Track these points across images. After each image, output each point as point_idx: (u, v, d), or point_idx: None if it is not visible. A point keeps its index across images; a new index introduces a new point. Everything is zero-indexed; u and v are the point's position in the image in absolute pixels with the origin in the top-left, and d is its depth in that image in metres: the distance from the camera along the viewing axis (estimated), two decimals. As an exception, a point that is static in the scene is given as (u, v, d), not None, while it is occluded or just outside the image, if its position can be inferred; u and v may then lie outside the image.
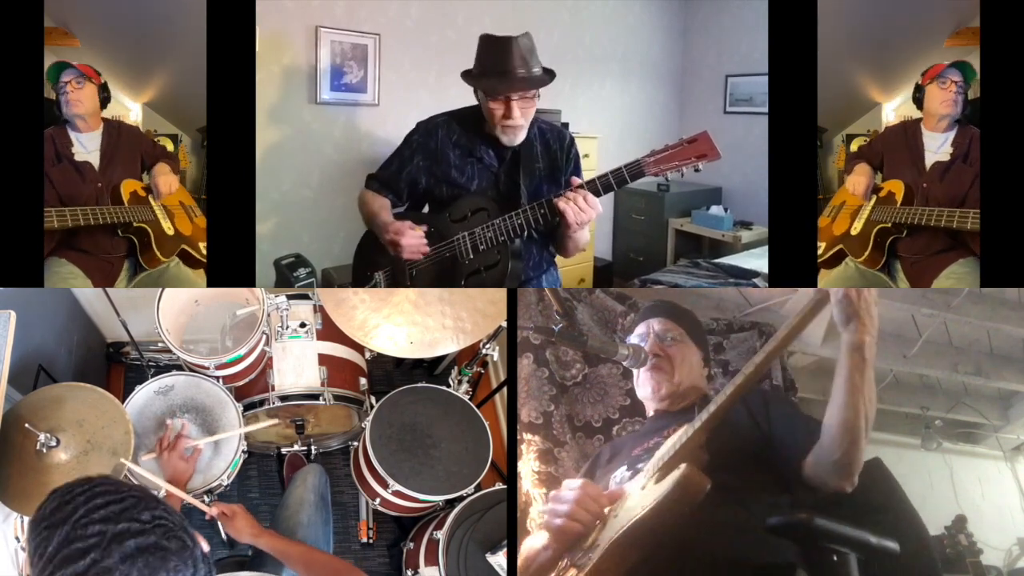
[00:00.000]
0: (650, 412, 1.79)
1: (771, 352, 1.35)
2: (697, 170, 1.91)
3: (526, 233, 2.05)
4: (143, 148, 2.09)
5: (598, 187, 1.93)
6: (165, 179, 2.08)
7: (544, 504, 1.87)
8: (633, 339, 1.79)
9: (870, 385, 1.28)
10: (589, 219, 1.96)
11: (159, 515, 0.96)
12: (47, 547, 0.93)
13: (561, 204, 1.92)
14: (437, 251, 2.10)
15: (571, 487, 1.46)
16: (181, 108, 2.09)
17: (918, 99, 2.09)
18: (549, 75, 2.04)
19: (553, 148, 2.16)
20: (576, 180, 1.96)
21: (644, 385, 1.74)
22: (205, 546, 1.03)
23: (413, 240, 2.07)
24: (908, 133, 2.11)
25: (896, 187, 2.11)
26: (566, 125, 3.68)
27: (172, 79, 2.07)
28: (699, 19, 4.70)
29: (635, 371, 1.76)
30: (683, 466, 1.29)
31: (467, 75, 2.07)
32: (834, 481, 1.33)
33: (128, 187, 2.05)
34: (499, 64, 1.98)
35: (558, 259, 2.34)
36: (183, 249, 2.12)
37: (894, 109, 2.13)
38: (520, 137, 2.08)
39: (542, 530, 1.47)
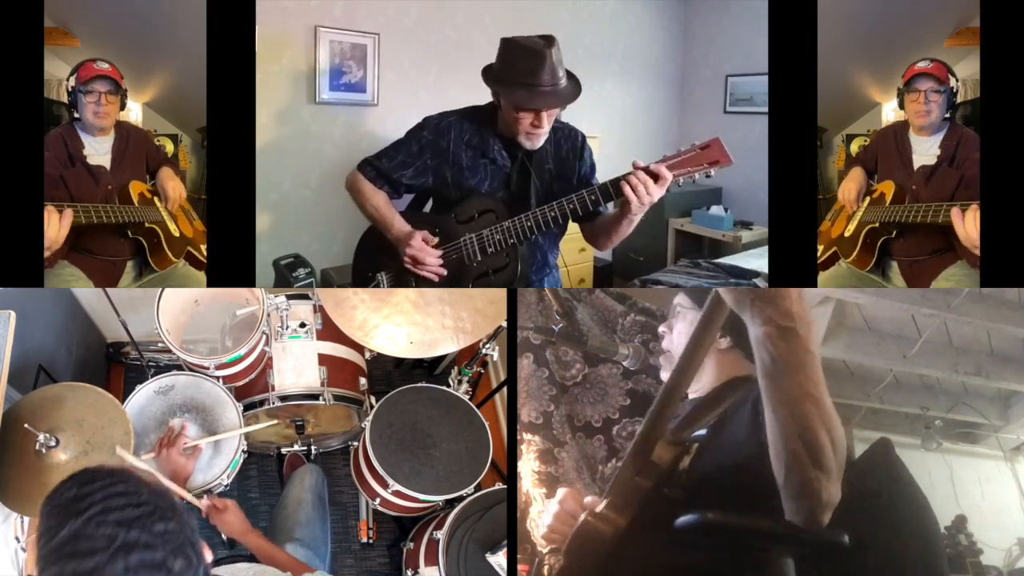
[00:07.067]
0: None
1: (676, 377, 1.22)
2: (708, 176, 1.89)
3: (535, 236, 2.03)
4: (148, 151, 2.09)
5: (609, 191, 1.91)
6: (173, 184, 2.07)
7: (543, 506, 1.88)
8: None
9: (800, 394, 0.98)
10: (653, 201, 1.89)
11: (171, 528, 0.96)
12: (56, 533, 0.93)
13: (627, 190, 1.85)
14: (443, 253, 2.10)
15: (556, 499, 1.46)
16: (181, 108, 2.09)
17: (901, 103, 2.09)
18: (575, 84, 2.00)
19: (564, 147, 2.14)
20: (639, 162, 1.88)
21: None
22: (209, 556, 1.03)
23: (434, 264, 2.06)
24: (897, 136, 2.11)
25: (887, 188, 2.11)
26: (566, 125, 3.69)
27: (172, 79, 2.07)
28: (699, 19, 4.70)
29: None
30: (584, 515, 1.25)
31: (488, 75, 2.01)
32: (792, 515, 1.07)
33: (136, 188, 2.05)
34: (530, 76, 1.91)
35: (559, 259, 2.34)
36: (188, 251, 2.12)
37: (893, 109, 2.13)
38: (542, 142, 2.06)
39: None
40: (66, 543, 0.91)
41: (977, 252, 1.93)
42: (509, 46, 1.96)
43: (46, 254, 1.90)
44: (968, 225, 1.92)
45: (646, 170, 1.86)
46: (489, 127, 2.08)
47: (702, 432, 1.31)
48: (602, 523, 1.22)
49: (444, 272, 2.08)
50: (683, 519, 1.12)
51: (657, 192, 1.87)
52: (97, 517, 0.93)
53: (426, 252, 2.06)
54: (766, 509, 1.13)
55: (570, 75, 2.01)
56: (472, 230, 2.07)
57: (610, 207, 2.03)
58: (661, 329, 1.72)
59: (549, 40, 1.94)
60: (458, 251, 2.09)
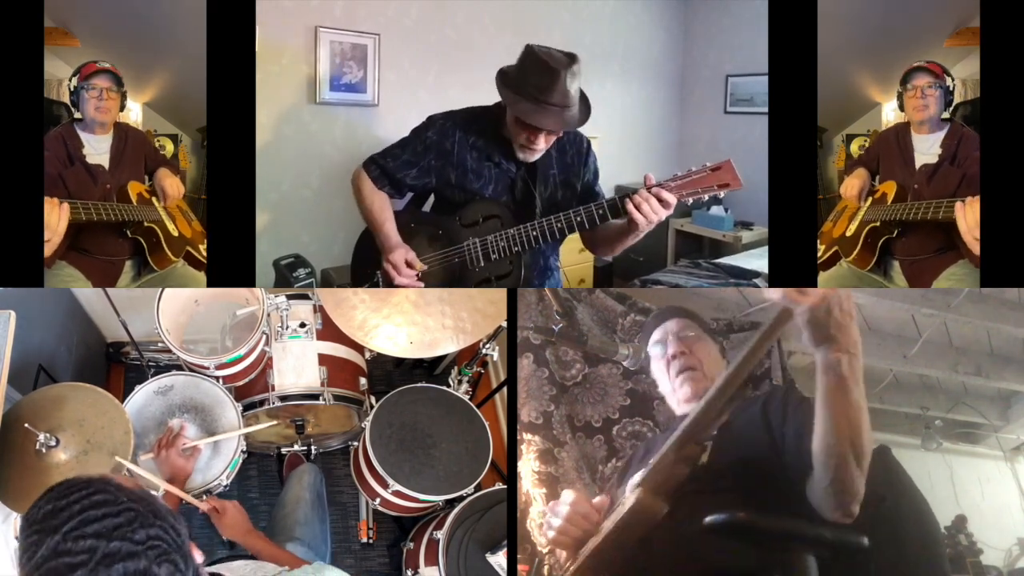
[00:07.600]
0: (679, 412, 1.72)
1: (732, 376, 1.26)
2: (718, 199, 1.89)
3: (540, 244, 2.02)
4: (147, 152, 2.09)
5: (617, 207, 1.88)
6: (171, 182, 2.08)
7: (544, 506, 1.88)
8: (652, 346, 1.77)
9: (856, 407, 1.15)
10: (660, 220, 1.88)
11: (154, 534, 0.92)
12: (35, 552, 0.89)
13: (631, 208, 1.84)
14: (445, 256, 2.09)
15: (565, 502, 1.47)
16: (181, 108, 2.09)
17: (901, 106, 2.10)
18: (584, 111, 1.96)
19: (569, 152, 2.12)
20: (651, 178, 1.86)
21: (681, 388, 1.69)
22: (199, 557, 1.00)
23: (406, 280, 2.05)
24: (899, 136, 2.12)
25: (889, 188, 2.11)
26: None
27: (172, 79, 2.07)
28: (699, 19, 4.70)
29: (666, 376, 1.73)
30: (639, 490, 1.27)
31: (500, 79, 1.95)
32: (828, 511, 1.21)
33: (134, 188, 2.05)
34: (540, 91, 1.86)
35: (560, 258, 2.34)
36: (187, 251, 2.12)
37: (893, 109, 2.13)
38: (535, 158, 2.03)
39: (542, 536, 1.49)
40: (46, 561, 0.88)
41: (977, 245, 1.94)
42: (528, 55, 1.91)
43: (46, 245, 1.90)
44: (970, 217, 1.93)
45: (649, 190, 1.84)
46: (495, 128, 2.05)
47: (713, 432, 1.39)
48: (652, 501, 1.26)
49: (419, 287, 2.07)
50: (713, 517, 1.20)
51: (664, 213, 1.86)
52: (75, 531, 0.89)
53: (402, 273, 2.05)
54: (782, 501, 1.25)
55: (583, 98, 1.97)
56: (476, 235, 2.05)
57: None
58: (670, 350, 1.73)
59: (571, 59, 1.89)
60: (461, 255, 2.08)
